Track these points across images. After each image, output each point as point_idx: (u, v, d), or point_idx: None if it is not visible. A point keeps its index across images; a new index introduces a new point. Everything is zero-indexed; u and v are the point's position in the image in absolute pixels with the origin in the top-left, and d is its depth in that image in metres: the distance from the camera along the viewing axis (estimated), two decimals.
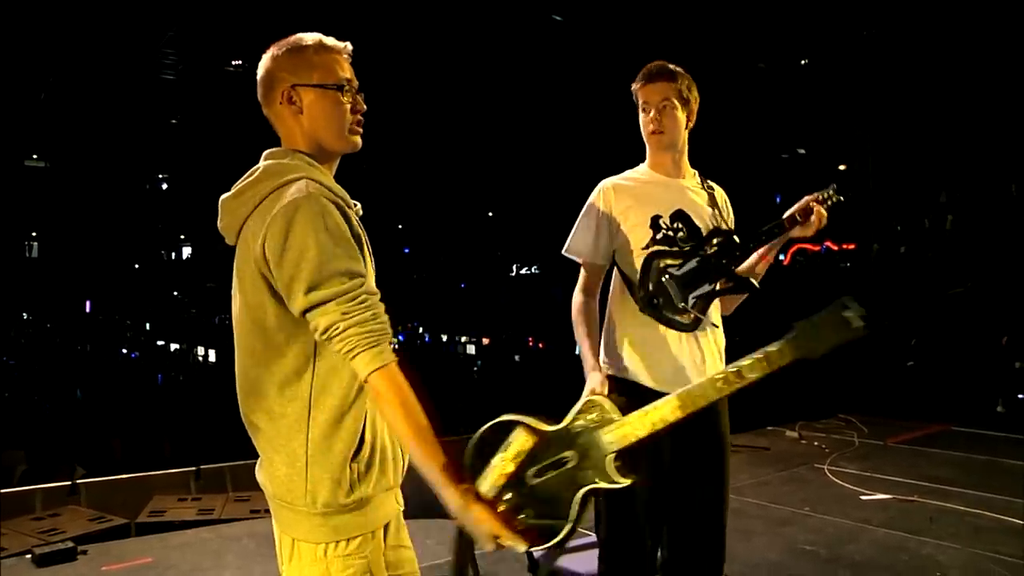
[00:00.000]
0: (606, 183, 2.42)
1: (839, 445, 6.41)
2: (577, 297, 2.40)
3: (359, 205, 1.64)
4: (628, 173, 2.45)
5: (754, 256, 2.41)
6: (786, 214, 2.36)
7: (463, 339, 28.44)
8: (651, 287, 2.31)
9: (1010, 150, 11.40)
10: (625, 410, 1.92)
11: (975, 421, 7.26)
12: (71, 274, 30.86)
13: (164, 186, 33.15)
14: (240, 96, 20.51)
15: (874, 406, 7.73)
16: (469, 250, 28.05)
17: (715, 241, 2.33)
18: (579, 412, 1.73)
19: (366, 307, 1.43)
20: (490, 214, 31.15)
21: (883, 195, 14.07)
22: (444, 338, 28.36)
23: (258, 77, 1.62)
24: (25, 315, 31.75)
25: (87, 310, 32.38)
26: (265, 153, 1.62)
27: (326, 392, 1.48)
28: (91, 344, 29.14)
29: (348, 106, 1.59)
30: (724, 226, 2.38)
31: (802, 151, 19.40)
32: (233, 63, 18.55)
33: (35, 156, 29.83)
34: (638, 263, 2.33)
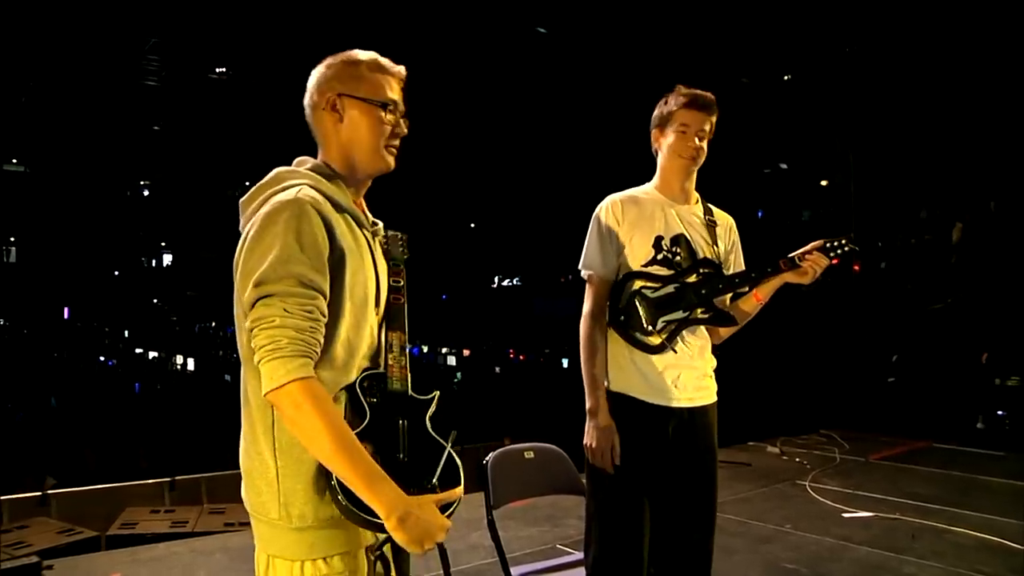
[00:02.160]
0: (614, 197, 2.42)
1: (821, 461, 6.38)
2: (585, 325, 2.37)
3: (379, 224, 1.63)
4: (636, 190, 2.45)
5: (752, 292, 2.43)
6: (788, 256, 2.37)
7: (444, 350, 28.37)
8: (620, 305, 2.34)
9: (990, 167, 11.50)
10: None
11: (955, 437, 7.28)
12: (49, 280, 30.56)
13: (146, 193, 32.95)
14: (223, 104, 20.47)
15: (855, 422, 7.73)
16: (451, 261, 28.04)
17: (701, 270, 2.35)
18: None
19: (310, 317, 1.37)
20: (472, 225, 31.15)
21: (864, 211, 14.16)
22: (425, 349, 28.30)
23: (308, 83, 1.61)
24: (1, 320, 31.36)
25: (65, 316, 32.05)
26: (295, 160, 1.62)
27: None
28: (68, 351, 28.83)
29: (388, 127, 1.58)
30: (716, 259, 2.40)
31: (784, 166, 19.52)
32: (217, 71, 18.50)
33: (15, 160, 29.57)
34: (615, 280, 2.38)
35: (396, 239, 1.71)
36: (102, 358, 30.30)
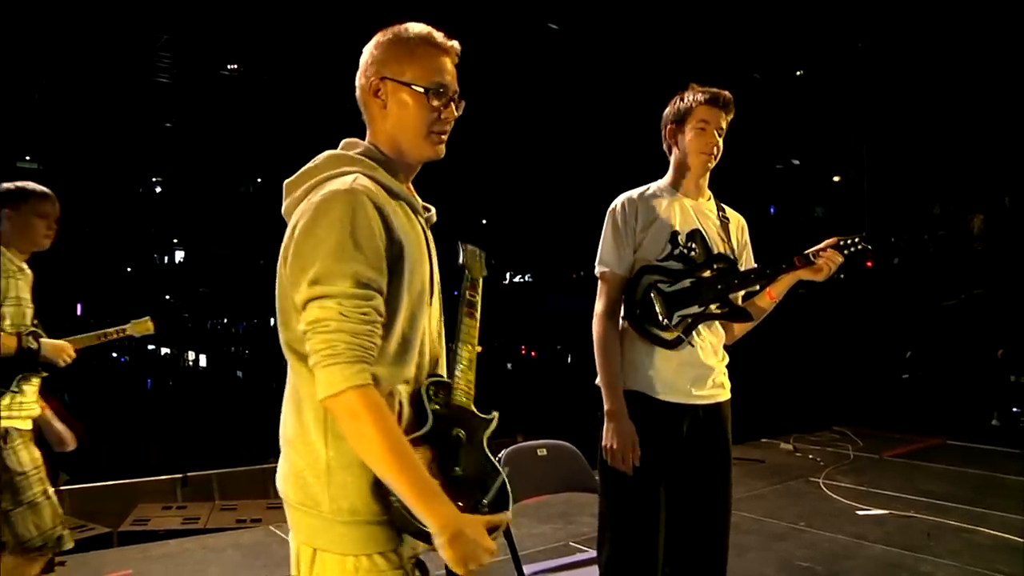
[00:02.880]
0: (630, 194, 2.41)
1: (834, 458, 6.34)
2: (600, 324, 2.35)
3: (432, 211, 1.57)
4: (651, 186, 2.44)
5: (766, 289, 2.42)
6: (802, 253, 2.36)
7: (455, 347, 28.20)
8: (636, 298, 2.33)
9: (1004, 162, 11.40)
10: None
11: (970, 434, 7.21)
12: (62, 276, 30.73)
13: (158, 189, 33.06)
14: (235, 100, 20.53)
15: (869, 418, 7.68)
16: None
17: (716, 266, 2.35)
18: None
19: (366, 320, 1.31)
20: (484, 221, 31.13)
21: (878, 207, 14.07)
22: None
23: (361, 59, 1.53)
24: None
25: (78, 313, 32.19)
26: (344, 142, 1.54)
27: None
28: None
29: (436, 113, 1.48)
30: (730, 254, 2.39)
31: (796, 162, 19.43)
32: (228, 67, 18.54)
33: (28, 158, 29.71)
34: (631, 275, 2.37)
35: (475, 255, 1.67)
36: (114, 354, 30.44)
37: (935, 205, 14.11)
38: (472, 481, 1.44)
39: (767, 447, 6.78)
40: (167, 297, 33.37)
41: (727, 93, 2.37)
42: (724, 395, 2.39)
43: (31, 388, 2.81)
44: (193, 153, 26.81)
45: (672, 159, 2.44)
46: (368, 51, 1.51)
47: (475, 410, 1.53)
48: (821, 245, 2.35)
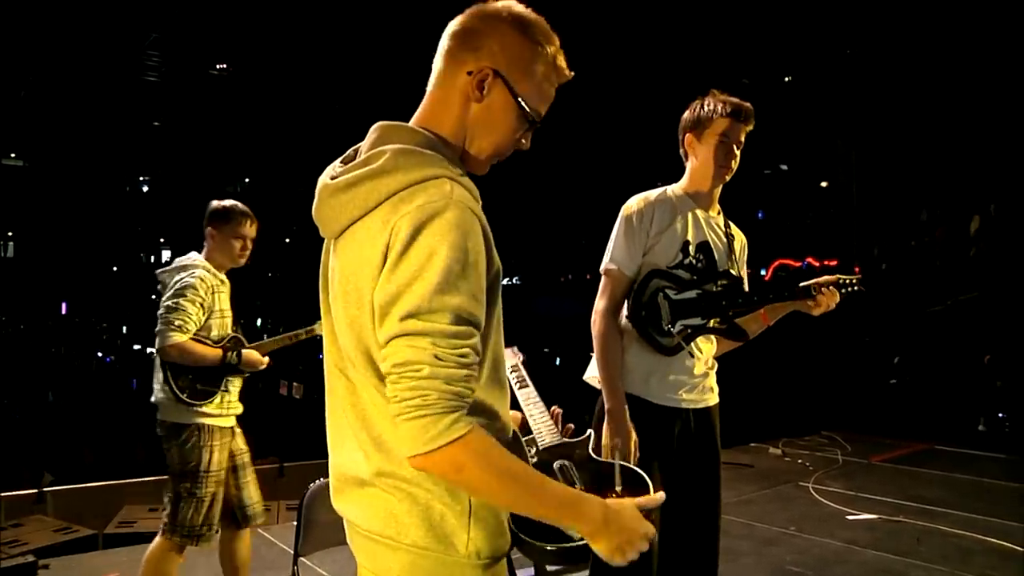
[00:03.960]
0: (648, 196, 2.40)
1: (823, 463, 6.36)
2: (602, 321, 2.34)
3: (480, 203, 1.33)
4: (666, 191, 2.43)
5: (760, 311, 2.43)
6: (802, 284, 2.38)
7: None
8: (643, 300, 2.32)
9: (990, 169, 11.48)
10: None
11: (957, 439, 7.25)
12: (47, 275, 30.48)
13: (145, 188, 32.87)
14: (223, 100, 20.43)
15: (857, 423, 7.71)
16: None
17: (721, 282, 2.36)
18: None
19: (464, 363, 1.13)
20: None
21: (865, 212, 14.15)
22: None
23: (460, 27, 1.28)
24: None
25: (63, 312, 31.95)
26: (382, 127, 1.28)
27: (479, 412, 1.22)
28: (65, 347, 28.77)
29: (517, 139, 1.32)
30: (735, 271, 2.41)
31: (784, 167, 19.51)
32: (217, 66, 18.46)
33: (13, 155, 29.49)
34: (643, 275, 2.37)
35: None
36: (100, 354, 30.21)
37: (922, 211, 14.20)
38: (596, 486, 1.42)
39: (756, 451, 6.79)
40: (153, 297, 33.19)
41: (748, 105, 2.36)
42: (713, 399, 2.43)
43: (235, 388, 3.08)
44: (181, 152, 26.66)
45: (688, 167, 2.44)
46: (486, 21, 1.27)
47: (566, 439, 1.49)
48: (821, 280, 2.38)
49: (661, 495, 1.31)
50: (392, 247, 1.14)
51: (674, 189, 2.43)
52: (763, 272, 15.73)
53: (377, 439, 1.24)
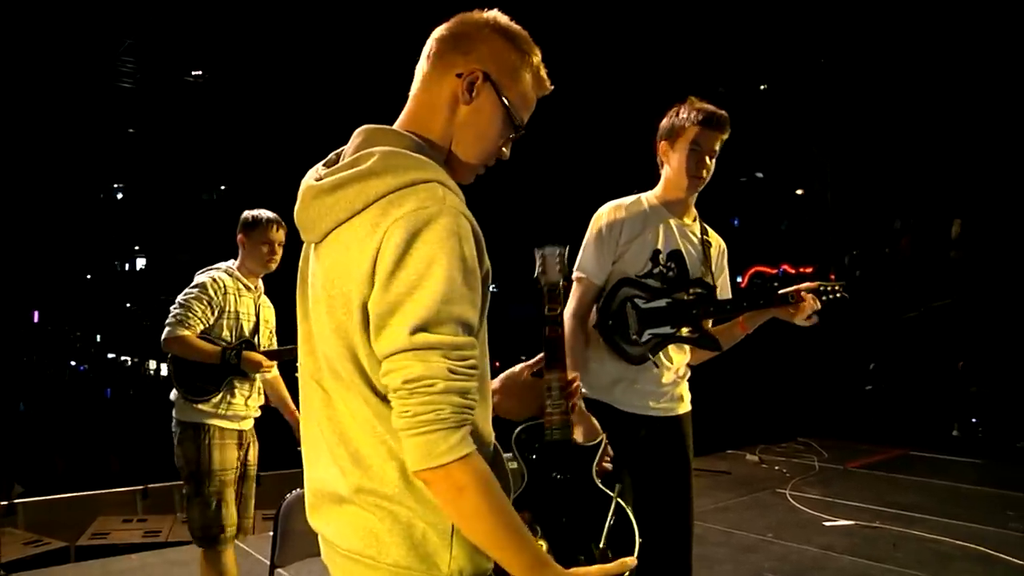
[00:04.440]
0: (620, 203, 2.40)
1: (800, 469, 6.39)
2: (570, 323, 2.31)
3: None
4: (640, 198, 2.42)
5: (737, 320, 2.41)
6: (780, 291, 2.36)
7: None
8: (611, 309, 2.31)
9: (962, 177, 11.62)
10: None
11: (933, 445, 7.32)
12: (19, 283, 30.10)
13: (120, 195, 32.55)
14: (199, 106, 20.29)
15: (833, 429, 7.76)
16: None
17: (693, 290, 2.33)
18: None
19: (472, 375, 1.13)
20: None
21: (840, 219, 14.29)
22: None
23: (449, 31, 1.27)
24: None
25: (35, 320, 31.55)
26: (367, 130, 1.25)
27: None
28: (38, 356, 28.39)
29: (501, 145, 1.31)
30: (709, 280, 2.38)
31: (760, 175, 19.66)
32: (193, 73, 18.32)
33: None
34: (612, 283, 2.35)
35: (554, 256, 1.51)
36: (73, 363, 29.85)
37: (896, 219, 14.34)
38: (584, 524, 1.33)
39: (733, 458, 6.81)
40: (128, 305, 32.84)
41: (723, 113, 2.35)
42: (683, 408, 2.41)
43: (242, 393, 3.11)
44: (156, 159, 26.43)
45: (663, 175, 2.43)
46: (476, 26, 1.27)
47: (574, 439, 1.38)
48: (800, 287, 2.35)
49: (630, 563, 1.26)
50: (384, 253, 1.11)
51: (648, 197, 2.43)
52: (739, 279, 15.84)
53: (355, 454, 1.20)
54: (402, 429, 1.10)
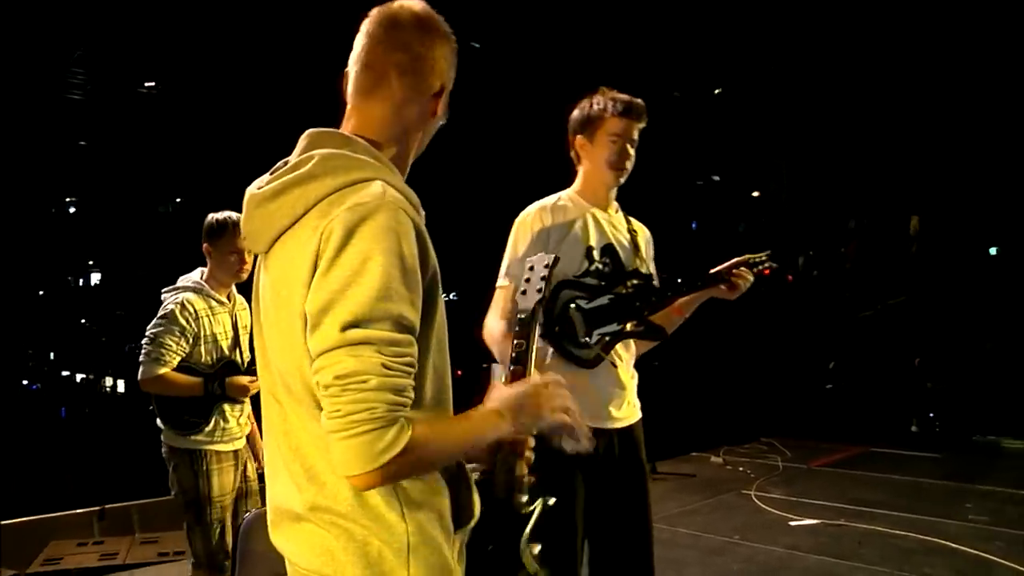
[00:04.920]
0: (544, 204, 2.29)
1: (764, 470, 6.43)
2: (497, 324, 2.21)
3: (423, 214, 1.25)
4: (559, 198, 2.32)
5: (673, 305, 2.34)
6: (712, 270, 2.33)
7: None
8: (554, 316, 2.20)
9: (917, 175, 11.83)
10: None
11: (893, 441, 7.43)
12: None
13: (72, 210, 31.92)
14: (152, 118, 19.98)
15: (795, 429, 7.84)
16: None
17: (631, 283, 2.27)
18: None
19: (408, 372, 1.10)
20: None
21: (796, 220, 14.47)
22: None
23: (403, 44, 1.26)
24: None
25: None
26: (311, 134, 1.24)
27: None
28: None
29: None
30: (644, 269, 2.32)
31: (717, 178, 19.86)
32: (146, 84, 18.06)
33: None
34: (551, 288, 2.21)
35: (541, 268, 1.52)
36: (25, 382, 29.17)
37: (850, 219, 14.56)
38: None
39: (697, 460, 6.84)
40: (83, 321, 32.20)
41: (640, 102, 2.28)
42: (636, 415, 2.34)
43: (233, 415, 2.98)
44: (109, 172, 25.96)
45: (581, 170, 2.34)
46: (436, 37, 1.28)
47: (517, 501, 1.30)
48: (730, 263, 2.33)
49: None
50: (323, 252, 1.09)
51: (569, 195, 2.33)
52: (698, 283, 15.96)
53: (310, 470, 1.17)
54: (332, 431, 1.06)
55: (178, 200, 31.03)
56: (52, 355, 32.09)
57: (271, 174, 1.25)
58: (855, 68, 11.68)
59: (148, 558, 4.93)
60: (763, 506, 5.32)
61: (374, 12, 1.28)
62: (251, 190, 1.23)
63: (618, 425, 2.26)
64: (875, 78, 11.52)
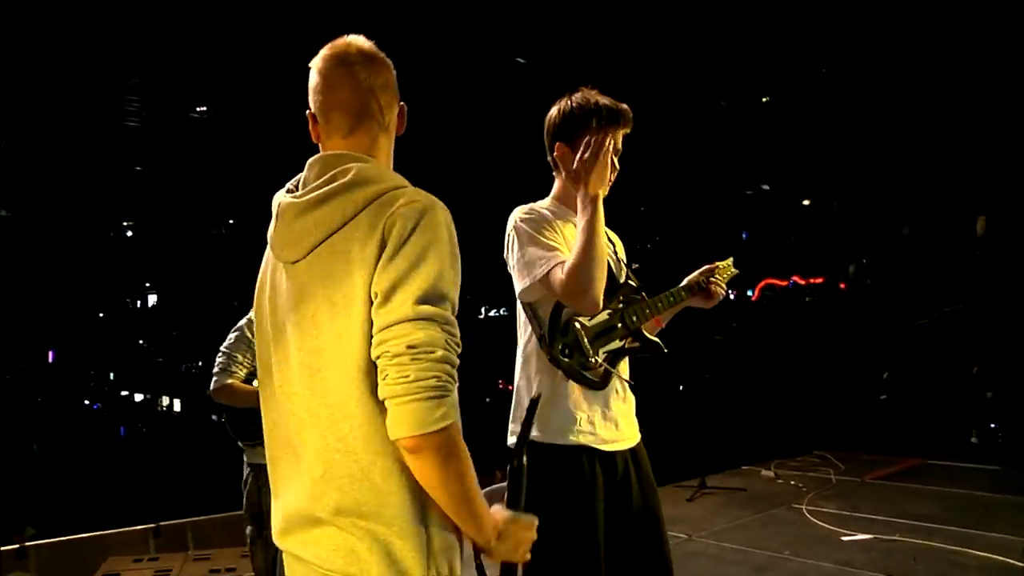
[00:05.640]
0: (532, 205, 2.17)
1: (816, 483, 6.30)
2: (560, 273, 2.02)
3: None
4: (540, 207, 2.17)
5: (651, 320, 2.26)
6: (684, 281, 2.30)
7: None
8: (558, 328, 2.08)
9: (974, 181, 11.55)
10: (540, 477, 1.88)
11: (950, 453, 7.21)
12: (34, 324, 30.27)
13: (129, 233, 32.80)
14: (204, 142, 20.48)
15: (849, 441, 7.66)
16: None
17: (622, 296, 2.17)
18: None
19: (458, 351, 1.24)
20: None
21: (848, 228, 14.22)
22: None
23: (373, 74, 1.39)
24: None
25: (50, 360, 31.69)
26: (324, 156, 1.36)
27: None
28: (52, 396, 28.49)
29: None
30: (631, 282, 2.22)
31: (766, 187, 19.62)
32: (197, 109, 18.50)
33: None
34: (550, 308, 2.09)
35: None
36: (87, 401, 29.92)
37: (904, 225, 14.27)
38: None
39: (748, 474, 6.72)
40: (140, 342, 32.96)
41: (625, 107, 2.12)
42: (638, 435, 2.24)
43: None
44: (164, 196, 26.65)
45: (559, 179, 2.20)
46: (388, 74, 1.43)
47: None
48: (700, 271, 2.31)
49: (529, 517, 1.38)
50: (389, 240, 1.22)
51: (546, 204, 2.19)
52: (750, 293, 15.75)
53: (327, 475, 1.26)
54: (396, 395, 1.17)
55: (230, 222, 31.70)
56: (112, 375, 32.93)
57: (297, 190, 1.37)
58: (901, 69, 11.48)
59: (200, 574, 5.00)
60: (815, 520, 5.20)
61: (327, 55, 1.39)
62: (285, 199, 1.34)
63: (630, 445, 2.19)
64: (922, 78, 11.30)
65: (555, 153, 2.15)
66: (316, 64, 1.41)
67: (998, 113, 10.55)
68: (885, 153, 13.26)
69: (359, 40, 1.41)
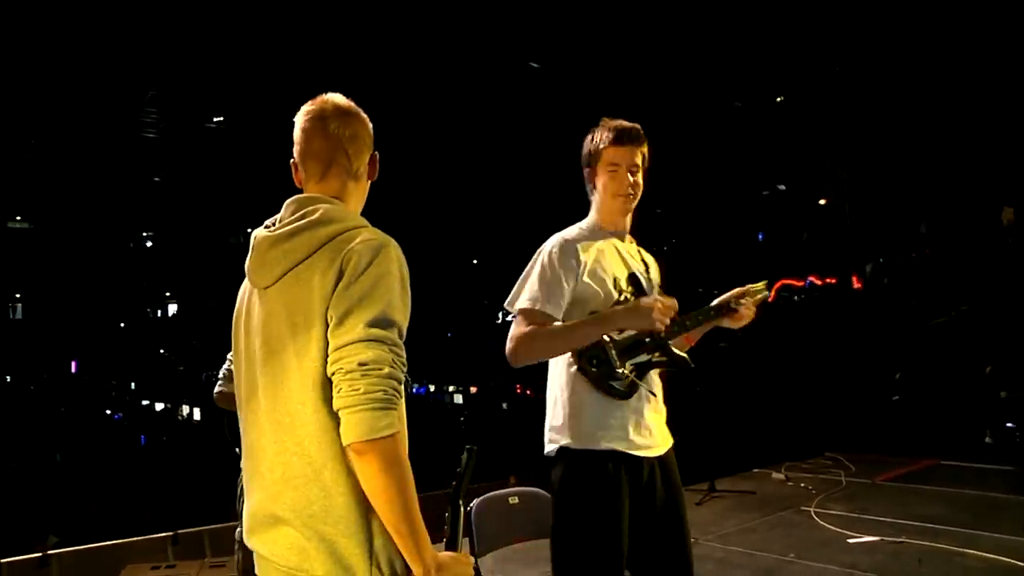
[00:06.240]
0: (565, 235, 2.30)
1: (826, 485, 6.29)
2: (528, 329, 2.18)
3: None
4: (582, 229, 2.33)
5: (683, 335, 2.34)
6: (715, 301, 2.36)
7: (450, 388, 28.25)
8: (591, 349, 2.18)
9: (991, 176, 11.47)
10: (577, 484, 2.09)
11: (964, 454, 7.17)
12: (56, 335, 30.62)
13: (148, 244, 33.15)
14: (222, 152, 20.66)
15: (861, 443, 7.63)
16: (455, 299, 27.98)
17: None
18: None
19: (404, 368, 1.39)
20: (475, 262, 31.15)
21: (862, 227, 14.16)
22: (432, 388, 28.14)
23: (348, 128, 1.58)
24: (8, 378, 31.37)
25: (73, 371, 32.04)
26: (299, 199, 1.54)
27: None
28: (74, 406, 28.80)
29: None
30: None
31: (782, 187, 19.54)
32: (214, 120, 18.70)
33: (18, 218, 29.79)
34: None
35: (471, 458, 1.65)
36: (108, 411, 30.22)
37: (921, 223, 14.20)
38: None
39: (759, 477, 6.72)
40: (161, 351, 33.26)
41: (634, 126, 2.28)
42: (671, 441, 2.31)
43: None
44: (182, 206, 26.90)
45: (593, 201, 2.35)
46: (363, 124, 1.60)
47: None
48: (732, 293, 2.37)
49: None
50: (347, 273, 1.38)
51: (584, 225, 2.33)
52: (767, 293, 15.68)
53: (290, 479, 1.40)
54: (348, 406, 1.32)
55: (248, 231, 31.95)
56: (133, 385, 33.24)
57: (273, 226, 1.54)
58: (913, 68, 11.43)
59: None
60: (822, 523, 5.21)
61: (307, 111, 1.59)
62: (262, 233, 1.52)
63: (659, 452, 2.25)
64: (939, 79, 11.25)
65: (587, 179, 2.35)
66: (297, 118, 1.60)
67: (1013, 108, 10.49)
68: (901, 151, 13.20)
69: (336, 97, 1.60)
